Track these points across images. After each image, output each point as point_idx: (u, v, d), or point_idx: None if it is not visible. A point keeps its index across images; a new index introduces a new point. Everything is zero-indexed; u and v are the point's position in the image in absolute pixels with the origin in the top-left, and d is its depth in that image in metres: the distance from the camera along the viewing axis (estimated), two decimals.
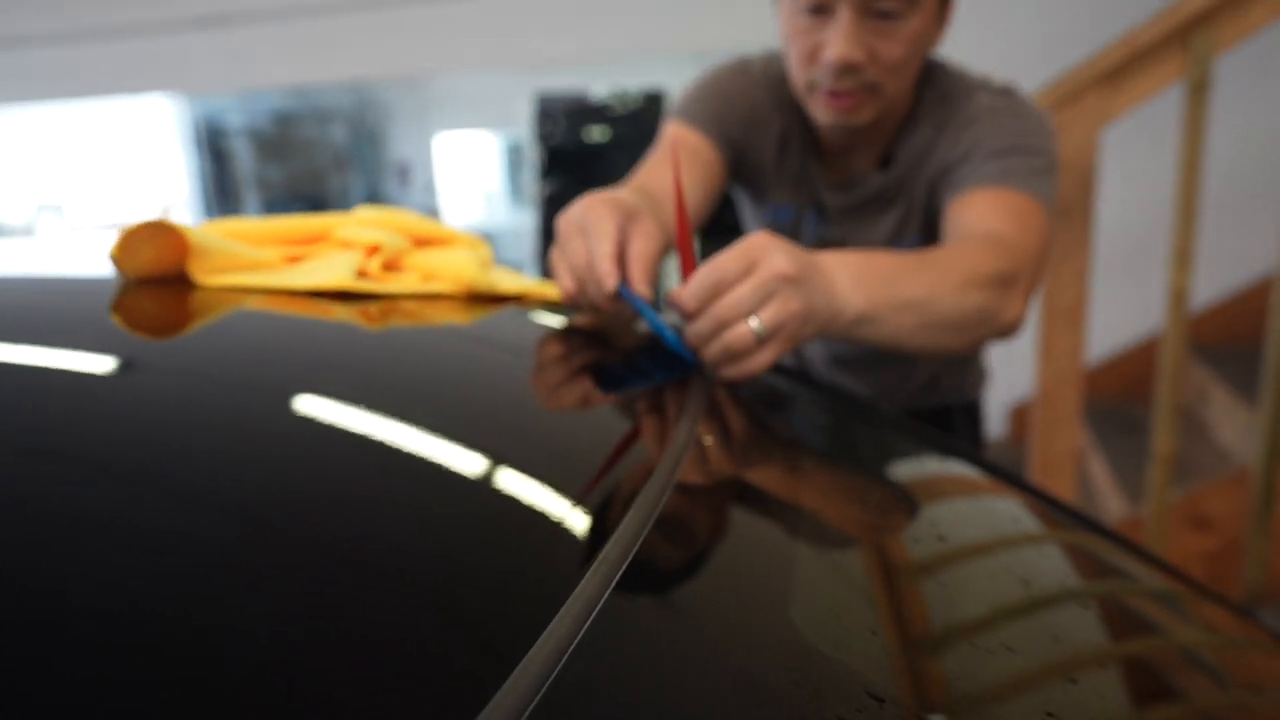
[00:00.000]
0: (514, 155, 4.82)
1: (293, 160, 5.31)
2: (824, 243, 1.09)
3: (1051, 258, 1.70)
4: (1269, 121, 2.52)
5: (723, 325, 0.58)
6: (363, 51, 3.54)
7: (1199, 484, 1.81)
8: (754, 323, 0.57)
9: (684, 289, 0.59)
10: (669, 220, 0.86)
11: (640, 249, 0.65)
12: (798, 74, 0.92)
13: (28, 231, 10.29)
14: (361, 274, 0.67)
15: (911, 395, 1.23)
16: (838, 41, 0.84)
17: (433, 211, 5.49)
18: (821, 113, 0.93)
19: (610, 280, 0.62)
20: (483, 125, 4.98)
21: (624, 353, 0.71)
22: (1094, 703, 0.37)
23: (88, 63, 3.91)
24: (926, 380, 1.23)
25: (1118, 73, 1.60)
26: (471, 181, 5.20)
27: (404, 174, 5.28)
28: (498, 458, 0.41)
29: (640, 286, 0.63)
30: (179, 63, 3.78)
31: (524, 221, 4.38)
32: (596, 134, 3.55)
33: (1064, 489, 1.80)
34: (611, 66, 3.61)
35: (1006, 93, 0.99)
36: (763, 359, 0.59)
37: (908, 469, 0.72)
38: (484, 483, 0.39)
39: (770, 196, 1.09)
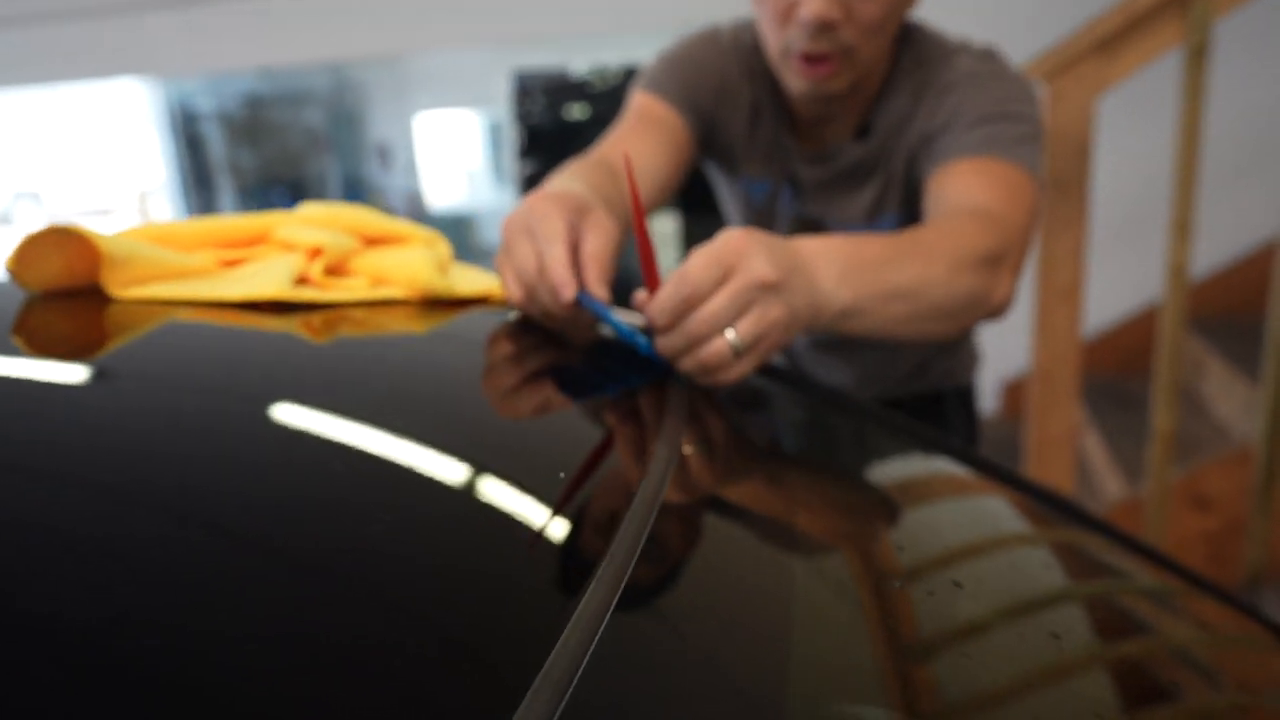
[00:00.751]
0: (495, 134, 4.73)
1: (270, 144, 5.21)
2: (801, 220, 1.04)
3: (1046, 233, 1.65)
4: (1263, 88, 2.47)
5: (697, 342, 0.53)
6: (336, 31, 3.44)
7: (1197, 462, 1.77)
8: (731, 336, 0.52)
9: (653, 302, 0.54)
10: (628, 195, 0.82)
11: (594, 247, 0.58)
12: (771, 37, 0.87)
13: (5, 220, 10.15)
14: (302, 280, 0.61)
15: (900, 381, 1.19)
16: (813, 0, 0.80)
17: (415, 193, 5.40)
18: (794, 79, 0.88)
19: (568, 290, 0.55)
20: (462, 104, 4.87)
21: (593, 358, 0.66)
22: (1086, 707, 0.37)
23: (51, 46, 3.80)
24: (914, 367, 1.19)
25: (1115, 39, 1.55)
26: (453, 162, 5.11)
27: (384, 155, 5.18)
28: (472, 478, 0.39)
29: (596, 289, 0.56)
30: (146, 45, 3.67)
31: (507, 201, 4.32)
32: (576, 111, 3.48)
33: (1062, 470, 1.76)
34: (590, 42, 3.52)
35: (988, 56, 0.93)
36: (740, 370, 0.54)
37: (896, 471, 0.69)
38: (466, 506, 0.38)
39: (743, 170, 1.04)
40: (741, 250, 0.52)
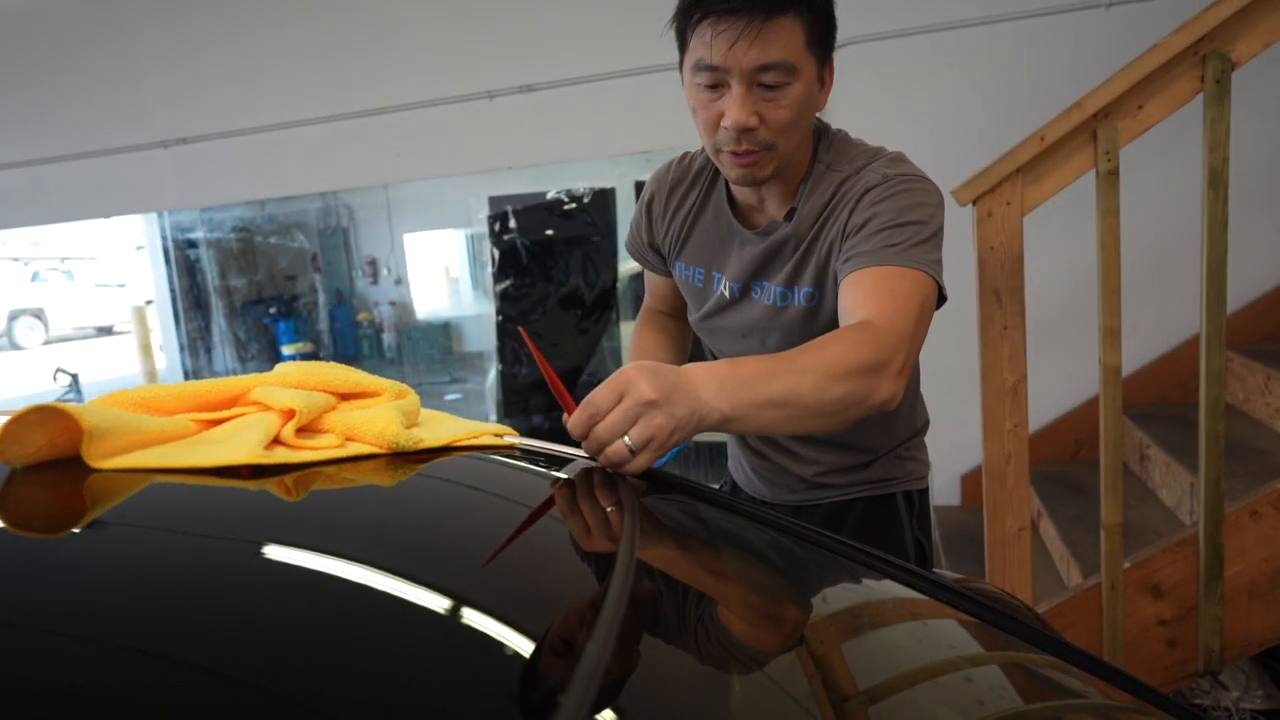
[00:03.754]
0: (475, 246, 4.94)
1: (263, 262, 5.39)
2: (731, 298, 1.22)
3: (986, 340, 1.76)
4: (1177, 200, 2.66)
5: (601, 445, 0.74)
6: (324, 166, 3.64)
7: (1148, 551, 1.84)
8: (626, 439, 0.73)
9: (569, 419, 0.75)
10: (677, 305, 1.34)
11: None
12: (706, 140, 1.07)
13: (6, 336, 10.25)
14: (276, 441, 0.69)
15: (850, 480, 1.28)
16: (732, 110, 0.99)
17: (402, 302, 5.56)
18: (729, 170, 1.07)
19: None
20: (445, 225, 5.10)
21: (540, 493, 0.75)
22: None
23: (54, 187, 3.98)
24: (858, 465, 1.28)
25: (1034, 165, 1.69)
26: (437, 275, 5.32)
27: (374, 270, 5.38)
28: (436, 616, 0.45)
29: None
30: (145, 185, 3.85)
31: (485, 309, 4.51)
32: (547, 230, 3.69)
33: (1019, 564, 1.82)
34: (561, 170, 3.75)
35: (897, 160, 1.09)
36: (640, 464, 0.74)
37: (838, 593, 0.77)
38: (433, 641, 0.43)
39: (681, 260, 1.26)
40: (631, 379, 0.74)
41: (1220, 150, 1.57)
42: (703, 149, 1.21)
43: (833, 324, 1.08)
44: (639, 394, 0.73)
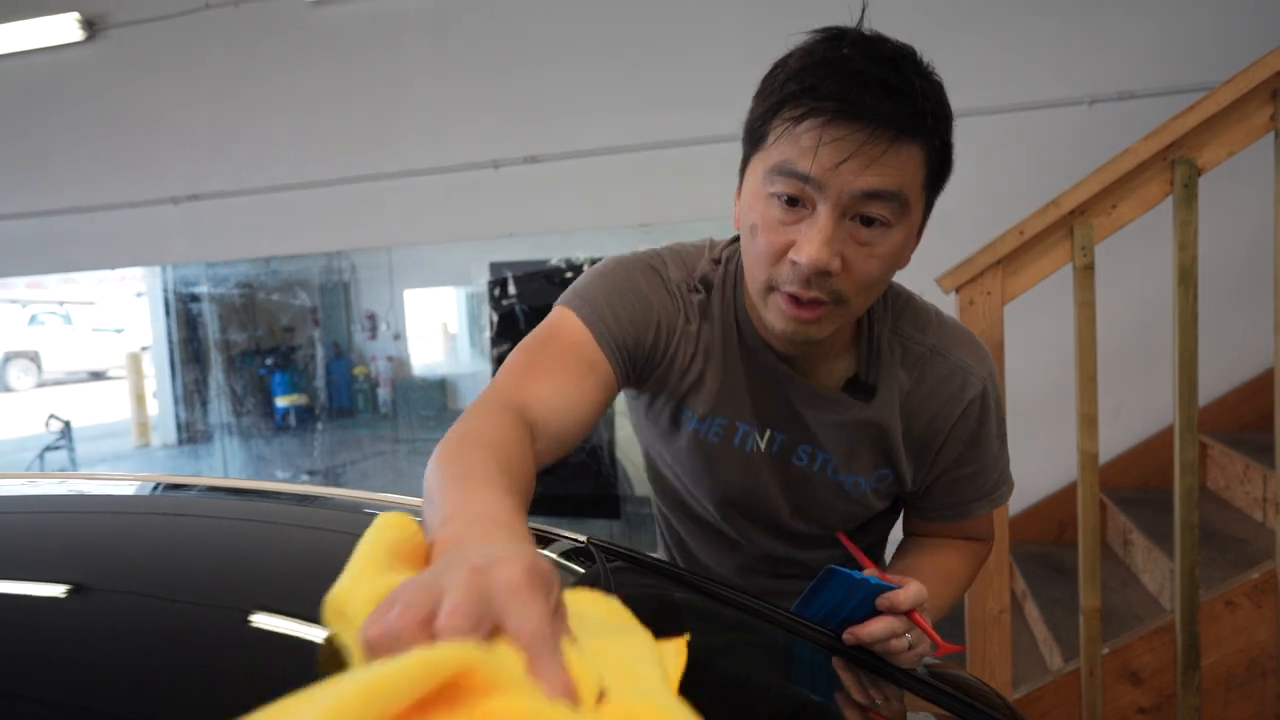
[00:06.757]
0: (474, 304, 5.03)
1: (263, 318, 5.46)
2: (759, 454, 0.98)
3: None
4: (1159, 287, 2.75)
5: (896, 635, 0.81)
6: (328, 228, 3.74)
7: (1126, 637, 1.86)
8: (906, 640, 0.82)
9: (899, 601, 0.80)
10: (560, 433, 0.78)
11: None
12: (757, 270, 0.81)
13: None
14: None
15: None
16: (812, 242, 0.74)
17: (400, 358, 5.62)
18: (777, 317, 0.81)
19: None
20: (445, 284, 5.20)
21: None
22: None
23: (62, 240, 4.06)
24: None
25: (1013, 258, 1.76)
26: (435, 331, 5.39)
27: (373, 325, 5.45)
28: None
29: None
30: (154, 239, 3.94)
31: (482, 367, 4.58)
32: (546, 298, 3.79)
33: (999, 646, 1.84)
34: (563, 240, 3.86)
35: (966, 334, 0.97)
36: (904, 659, 0.83)
37: (808, 681, 0.80)
38: None
39: (689, 407, 0.97)
40: (926, 591, 0.83)
41: (1189, 249, 1.64)
42: (685, 263, 0.95)
43: (889, 495, 1.04)
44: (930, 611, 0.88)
